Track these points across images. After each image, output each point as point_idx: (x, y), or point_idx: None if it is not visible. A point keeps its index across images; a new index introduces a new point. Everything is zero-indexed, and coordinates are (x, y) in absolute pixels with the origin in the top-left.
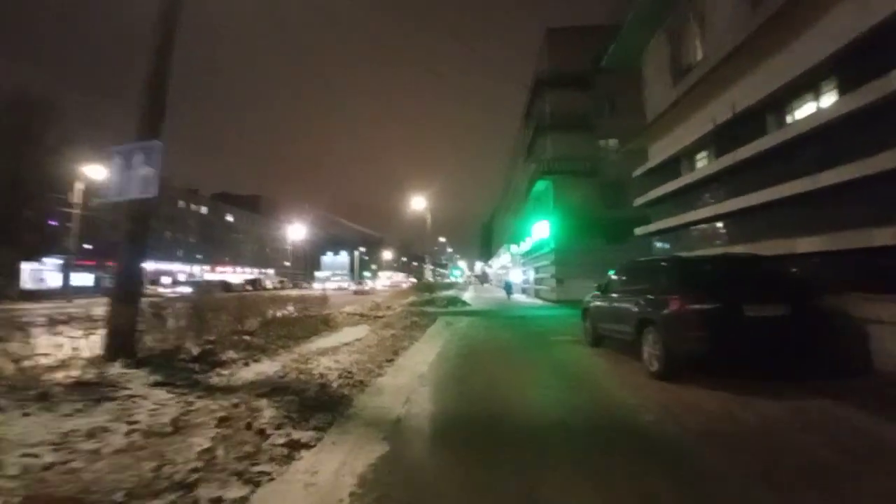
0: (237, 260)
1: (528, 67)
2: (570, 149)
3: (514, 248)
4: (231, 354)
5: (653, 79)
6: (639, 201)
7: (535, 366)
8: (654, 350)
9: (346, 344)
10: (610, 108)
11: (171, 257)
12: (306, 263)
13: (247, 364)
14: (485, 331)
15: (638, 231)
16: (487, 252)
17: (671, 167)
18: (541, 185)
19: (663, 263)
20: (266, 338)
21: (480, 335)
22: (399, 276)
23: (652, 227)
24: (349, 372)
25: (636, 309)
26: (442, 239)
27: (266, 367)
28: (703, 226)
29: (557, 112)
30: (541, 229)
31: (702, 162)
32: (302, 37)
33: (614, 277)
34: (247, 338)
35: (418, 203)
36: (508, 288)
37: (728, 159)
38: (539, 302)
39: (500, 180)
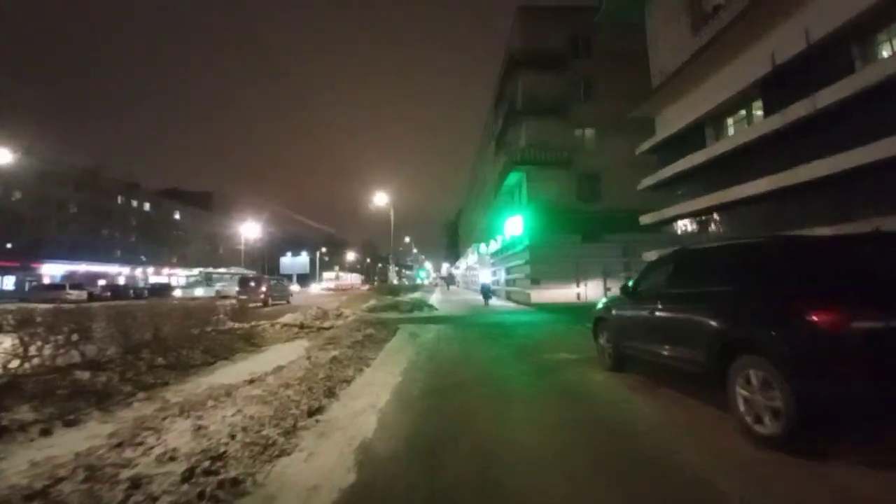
0: (185, 261)
1: (499, 56)
2: (544, 137)
3: (482, 247)
4: (25, 414)
5: (662, 31)
6: (646, 182)
7: (548, 416)
8: (763, 398)
9: (255, 379)
10: (586, 93)
11: (108, 258)
12: (264, 265)
13: (47, 433)
14: (459, 347)
15: (645, 219)
16: (454, 253)
17: (691, 137)
18: (513, 178)
19: (779, 247)
20: (131, 370)
21: (454, 354)
22: (350, 278)
23: (670, 212)
24: (219, 457)
25: (716, 323)
26: (407, 239)
27: (61, 448)
28: (751, 206)
29: (531, 95)
30: (513, 225)
31: (738, 126)
32: (262, 32)
33: (660, 272)
34: (81, 375)
35: (382, 199)
36: (486, 292)
37: (802, 108)
38: (512, 305)
39: (466, 180)
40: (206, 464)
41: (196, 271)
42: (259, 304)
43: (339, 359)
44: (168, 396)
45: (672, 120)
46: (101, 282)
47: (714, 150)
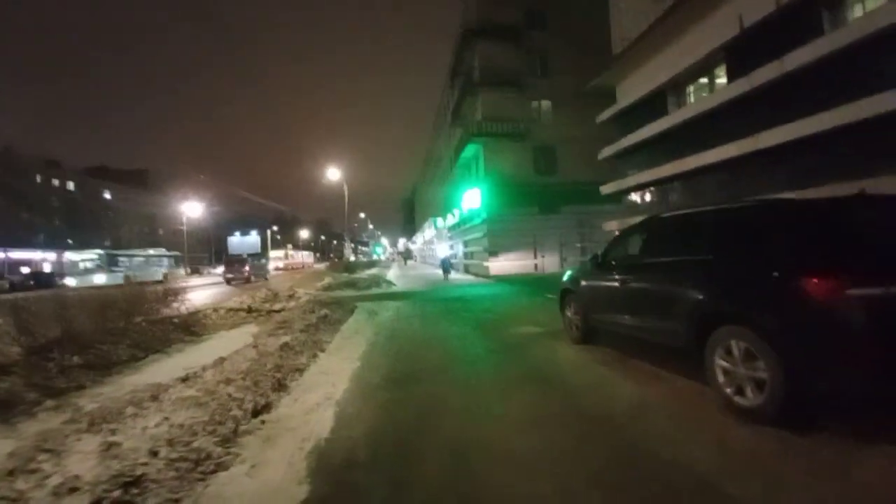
0: (120, 244)
1: (454, 30)
2: (501, 110)
3: (440, 221)
4: None
5: None
6: (607, 152)
7: (523, 405)
8: (745, 369)
9: (190, 376)
10: (542, 67)
11: (27, 243)
12: (211, 245)
13: None
14: (420, 323)
15: (606, 189)
16: (410, 228)
17: (653, 105)
18: (470, 150)
19: (764, 212)
20: (38, 373)
21: (416, 332)
22: (302, 256)
23: (631, 181)
24: (135, 482)
25: (695, 293)
26: (362, 215)
27: None
28: (714, 174)
29: (487, 66)
30: (471, 198)
31: (699, 93)
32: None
33: (631, 241)
34: None
35: (334, 174)
36: (446, 266)
37: (771, 71)
38: (471, 278)
39: (421, 157)
40: (117, 493)
41: (93, 253)
42: (243, 280)
43: (291, 345)
44: (82, 403)
45: (633, 88)
46: (25, 269)
47: (677, 116)
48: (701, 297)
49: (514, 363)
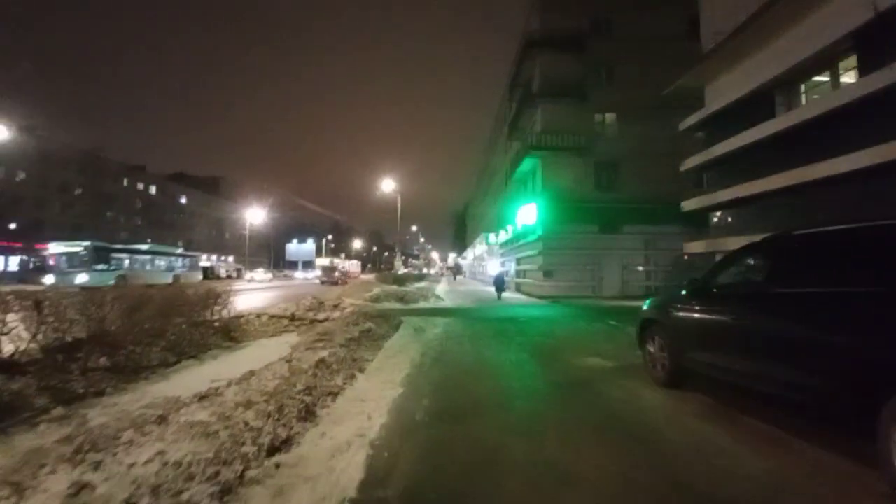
0: (191, 246)
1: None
2: (561, 122)
3: (492, 237)
4: None
5: None
6: (692, 162)
7: (603, 467)
8: None
9: (211, 394)
10: (608, 77)
11: (113, 241)
12: (270, 251)
13: None
14: (471, 345)
15: (688, 205)
16: (461, 244)
17: (754, 107)
18: (527, 165)
19: None
20: (58, 374)
21: (467, 355)
22: (349, 265)
23: (723, 196)
24: None
25: (865, 340)
26: (414, 227)
27: None
28: (838, 187)
29: (548, 78)
30: (526, 214)
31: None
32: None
33: (739, 264)
34: None
35: (389, 185)
36: (500, 283)
37: None
38: (523, 298)
39: (475, 171)
40: None
41: (80, 246)
42: (335, 283)
43: (328, 361)
44: (91, 415)
45: (728, 89)
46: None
47: (790, 118)
48: (873, 346)
49: (584, 406)
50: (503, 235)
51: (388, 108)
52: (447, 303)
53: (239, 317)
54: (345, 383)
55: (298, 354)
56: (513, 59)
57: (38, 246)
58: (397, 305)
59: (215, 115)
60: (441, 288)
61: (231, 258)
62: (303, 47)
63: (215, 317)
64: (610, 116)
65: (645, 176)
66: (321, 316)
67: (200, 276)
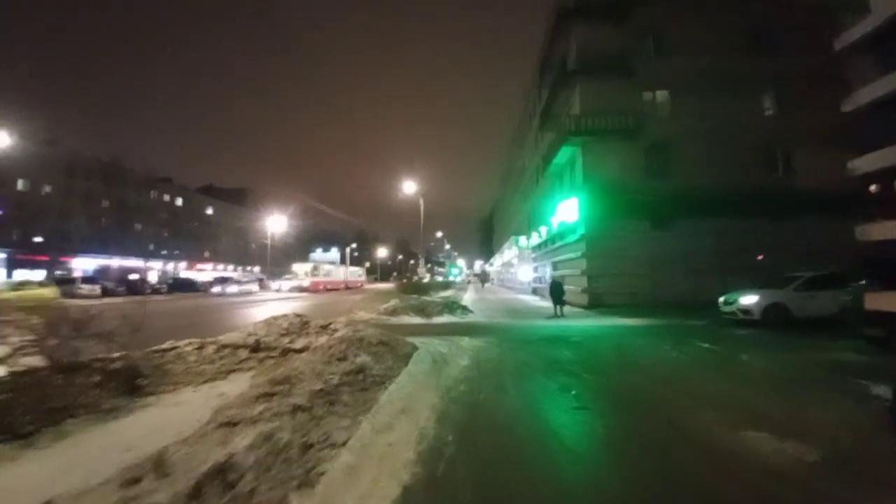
0: (218, 256)
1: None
2: (603, 103)
3: (522, 240)
4: None
5: None
6: (865, 96)
7: None
8: None
9: None
10: (656, 48)
11: (140, 253)
12: (293, 260)
13: None
14: (518, 394)
15: (862, 164)
16: (487, 251)
17: None
18: (564, 154)
19: None
20: None
21: (516, 421)
22: (343, 272)
23: None
24: None
25: None
26: (439, 234)
27: None
28: None
29: (587, 51)
30: (565, 211)
31: None
32: (298, 36)
33: None
34: None
35: (411, 188)
36: (558, 293)
37: None
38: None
39: (501, 176)
40: None
41: None
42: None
43: (239, 466)
44: None
45: None
46: (134, 276)
47: None
48: None
49: None
50: (535, 238)
51: (417, 117)
52: (477, 316)
53: (168, 350)
54: None
55: (213, 434)
56: (542, 42)
57: (64, 259)
58: (416, 319)
59: (248, 131)
60: (468, 297)
61: (257, 268)
62: (337, 71)
63: (113, 354)
64: (661, 94)
65: (707, 160)
66: (299, 343)
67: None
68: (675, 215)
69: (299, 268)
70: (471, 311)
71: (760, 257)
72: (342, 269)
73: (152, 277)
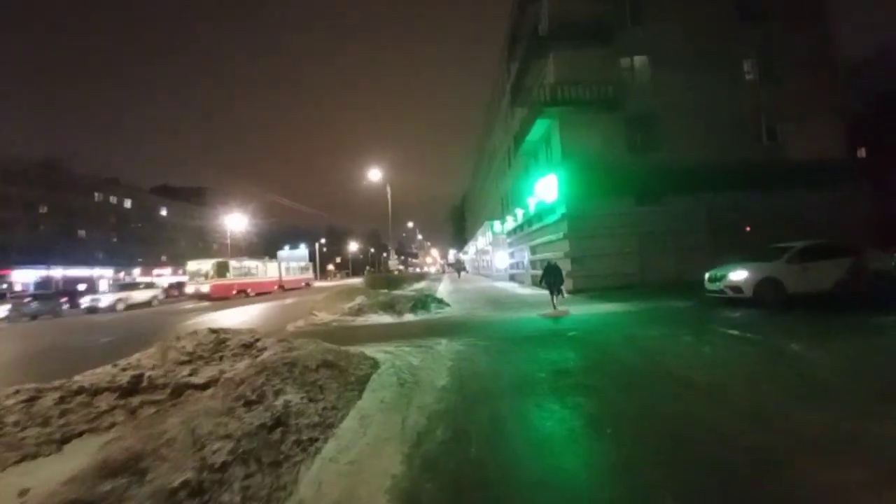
0: (176, 260)
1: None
2: (579, 72)
3: (496, 225)
4: None
5: None
6: None
7: None
8: None
9: None
10: (633, 12)
11: (87, 260)
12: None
13: None
14: (528, 447)
15: None
16: (461, 240)
17: None
18: (539, 129)
19: None
20: None
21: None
22: (269, 268)
23: None
24: None
25: None
26: (410, 224)
27: None
28: None
29: (560, 16)
30: (543, 190)
31: None
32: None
33: None
34: None
35: (376, 175)
36: (555, 278)
37: None
38: (546, 294)
39: (472, 161)
40: None
41: None
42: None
43: None
44: None
45: None
46: (81, 286)
47: None
48: None
49: None
50: (510, 223)
51: (384, 107)
52: (454, 310)
53: None
54: None
55: None
56: (512, 8)
57: (2, 272)
58: (385, 318)
59: (203, 123)
60: (443, 288)
61: None
62: (290, 48)
63: None
64: (640, 60)
65: (692, 132)
66: (205, 374)
67: None
68: (662, 190)
69: (196, 266)
70: (447, 305)
71: (748, 229)
72: (273, 265)
73: (103, 287)
